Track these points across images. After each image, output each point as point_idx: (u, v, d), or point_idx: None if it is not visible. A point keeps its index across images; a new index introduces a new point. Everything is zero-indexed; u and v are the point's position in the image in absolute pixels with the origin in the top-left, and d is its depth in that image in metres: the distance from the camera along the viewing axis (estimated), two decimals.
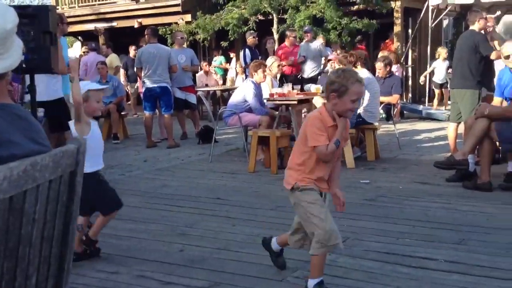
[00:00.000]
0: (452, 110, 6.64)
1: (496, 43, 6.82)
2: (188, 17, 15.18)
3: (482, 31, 6.45)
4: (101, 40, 16.31)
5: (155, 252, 3.88)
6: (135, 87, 13.14)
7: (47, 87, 5.74)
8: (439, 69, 12.44)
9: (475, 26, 6.39)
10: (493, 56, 6.18)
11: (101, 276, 3.49)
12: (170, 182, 6.20)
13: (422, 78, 12.68)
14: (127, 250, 3.94)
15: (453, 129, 6.53)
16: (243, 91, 7.37)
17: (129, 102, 13.58)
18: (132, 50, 12.68)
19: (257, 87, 7.31)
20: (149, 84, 8.68)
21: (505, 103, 5.58)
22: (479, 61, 6.26)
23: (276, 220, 4.56)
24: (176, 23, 14.74)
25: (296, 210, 3.14)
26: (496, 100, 5.80)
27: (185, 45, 10.70)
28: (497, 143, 5.38)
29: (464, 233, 4.04)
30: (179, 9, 15.14)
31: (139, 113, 12.01)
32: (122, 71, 13.04)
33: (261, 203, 5.12)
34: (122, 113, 9.91)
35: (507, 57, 5.52)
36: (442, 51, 12.57)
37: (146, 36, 9.04)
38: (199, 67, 12.36)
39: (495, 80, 6.07)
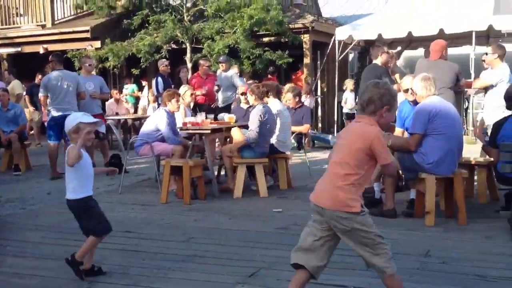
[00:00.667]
0: None
1: (397, 76, 7.22)
2: (97, 44, 14.84)
3: (385, 65, 6.82)
4: (3, 66, 15.56)
5: None
6: (39, 115, 12.58)
7: None
8: (349, 99, 13.04)
9: (378, 60, 6.76)
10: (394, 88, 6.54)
11: None
12: None
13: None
14: None
15: None
16: (155, 120, 7.27)
17: (32, 132, 12.94)
18: (38, 77, 12.18)
19: (170, 116, 7.25)
20: (56, 112, 8.30)
21: (406, 134, 5.89)
22: None
23: (188, 252, 4.49)
24: (85, 49, 14.39)
25: (351, 236, 2.93)
26: (398, 131, 6.11)
27: (94, 72, 10.41)
28: (400, 171, 5.63)
29: None
30: (88, 35, 14.79)
31: (43, 143, 11.47)
32: (27, 98, 12.49)
33: (173, 235, 5.02)
34: (25, 142, 9.41)
35: (406, 91, 5.85)
36: (349, 83, 13.21)
37: (51, 62, 8.70)
38: (110, 95, 12.06)
39: (396, 112, 6.40)
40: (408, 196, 5.76)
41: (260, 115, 6.67)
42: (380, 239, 2.95)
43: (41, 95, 8.52)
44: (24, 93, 12.71)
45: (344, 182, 2.93)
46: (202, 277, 3.86)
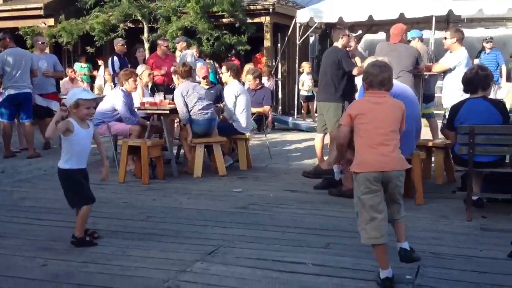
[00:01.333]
0: (318, 122, 6.95)
1: (357, 59, 7.25)
2: (51, 21, 14.41)
3: (345, 48, 6.83)
4: None
5: (14, 268, 3.60)
6: None
7: None
8: (306, 82, 13.08)
9: (339, 43, 6.76)
10: (354, 71, 6.57)
11: None
12: (31, 194, 5.79)
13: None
14: None
15: (319, 140, 6.83)
16: (112, 100, 7.12)
17: None
18: None
19: (127, 96, 7.11)
20: (13, 90, 8.10)
21: None
22: (342, 76, 6.62)
23: (147, 230, 4.45)
24: (37, 26, 13.93)
25: (400, 190, 3.42)
26: None
27: (47, 51, 10.08)
28: None
29: (330, 238, 4.22)
30: (41, 12, 14.34)
31: None
32: None
33: (131, 214, 4.97)
34: None
35: None
36: (305, 66, 13.23)
37: (3, 40, 8.45)
38: (64, 74, 11.75)
39: (357, 94, 6.45)
40: None
41: (181, 93, 6.71)
42: None
43: None
44: None
45: (398, 145, 3.40)
46: (161, 255, 3.83)
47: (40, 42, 9.19)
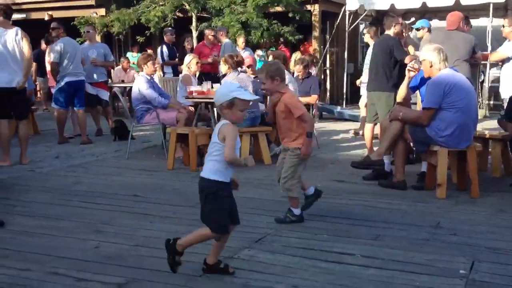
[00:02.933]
0: (369, 112, 6.81)
1: (410, 48, 7.07)
2: (102, 12, 14.74)
3: (397, 36, 6.66)
4: None
5: (68, 249, 3.70)
6: (44, 81, 12.52)
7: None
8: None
9: (391, 31, 6.60)
10: (407, 60, 6.39)
11: (12, 272, 3.29)
12: (83, 179, 5.94)
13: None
14: (38, 247, 3.74)
15: (369, 130, 6.71)
16: (136, 86, 7.23)
17: (38, 97, 12.96)
18: (42, 44, 12.03)
19: (149, 79, 7.22)
20: (71, 77, 8.34)
21: (418, 97, 5.75)
22: (393, 65, 6.46)
23: (194, 216, 4.40)
24: (90, 16, 14.26)
25: None
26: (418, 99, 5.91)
27: (99, 40, 10.31)
28: (411, 144, 5.55)
29: (379, 229, 4.13)
30: (92, 2, 14.73)
31: (50, 108, 11.48)
32: (35, 65, 12.37)
33: (180, 200, 5.01)
34: (32, 107, 9.38)
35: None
36: None
37: (56, 30, 8.70)
38: (116, 63, 12.00)
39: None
40: (419, 169, 5.69)
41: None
42: None
43: (54, 61, 8.45)
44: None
45: None
46: (209, 241, 3.82)
47: (87, 31, 9.47)
